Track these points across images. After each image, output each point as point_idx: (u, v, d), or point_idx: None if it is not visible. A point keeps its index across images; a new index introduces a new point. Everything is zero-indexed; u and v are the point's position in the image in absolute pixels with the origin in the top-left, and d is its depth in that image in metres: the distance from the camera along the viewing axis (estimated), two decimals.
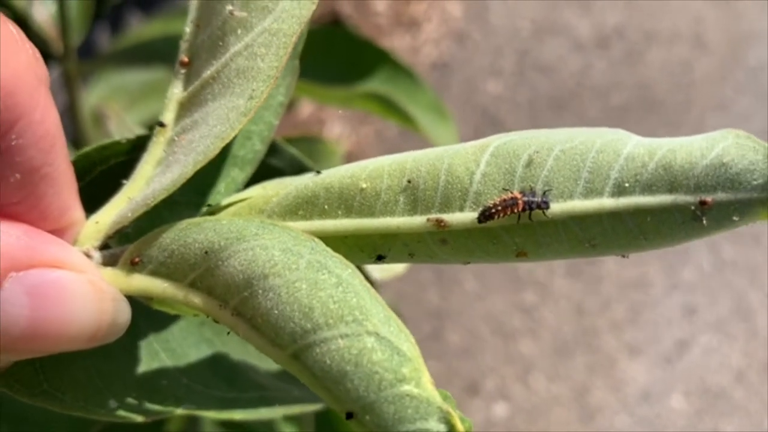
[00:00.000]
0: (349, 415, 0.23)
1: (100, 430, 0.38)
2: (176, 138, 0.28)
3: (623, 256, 0.26)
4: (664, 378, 1.58)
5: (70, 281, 0.24)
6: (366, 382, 0.23)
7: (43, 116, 0.23)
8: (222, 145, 0.26)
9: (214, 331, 0.34)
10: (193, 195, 0.29)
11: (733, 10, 1.94)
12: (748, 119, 1.79)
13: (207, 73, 0.28)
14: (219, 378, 0.33)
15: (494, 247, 0.26)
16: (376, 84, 0.71)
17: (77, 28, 0.74)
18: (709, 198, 0.24)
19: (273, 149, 0.33)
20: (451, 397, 0.23)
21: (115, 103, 0.76)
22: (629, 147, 0.25)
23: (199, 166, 0.26)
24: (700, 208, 0.24)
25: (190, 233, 0.26)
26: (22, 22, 0.73)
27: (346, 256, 0.25)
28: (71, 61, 0.74)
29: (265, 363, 0.36)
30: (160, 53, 0.76)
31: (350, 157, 1.74)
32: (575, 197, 0.25)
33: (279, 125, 0.32)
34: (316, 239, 0.25)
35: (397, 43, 1.90)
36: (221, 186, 0.31)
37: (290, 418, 0.65)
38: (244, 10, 0.27)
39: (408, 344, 0.23)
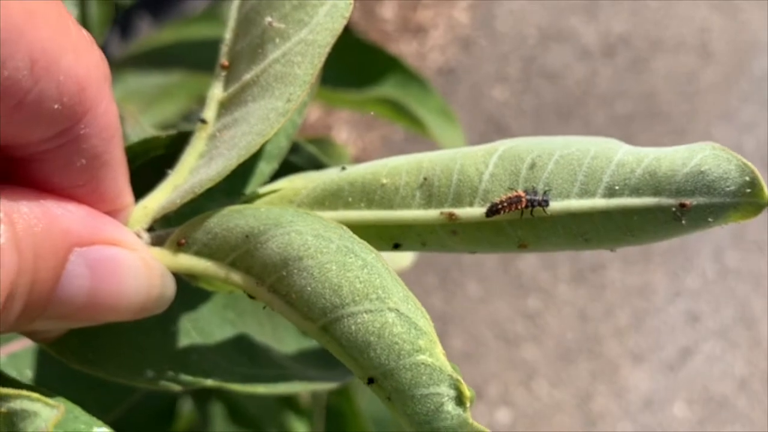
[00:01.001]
0: (371, 380, 0.27)
1: (116, 420, 0.40)
2: (217, 134, 0.32)
3: (611, 250, 0.29)
4: (666, 385, 1.58)
5: (125, 257, 0.27)
6: (387, 352, 0.26)
7: (106, 109, 0.26)
8: (263, 141, 0.29)
9: (236, 313, 0.38)
10: (226, 184, 0.32)
11: (738, 19, 1.95)
12: (753, 128, 1.79)
13: (247, 76, 0.31)
14: (242, 356, 0.37)
15: (499, 238, 0.30)
16: (387, 89, 0.74)
17: (97, 32, 0.75)
18: (688, 201, 0.27)
19: (293, 147, 0.36)
20: (458, 368, 0.27)
21: (131, 106, 0.77)
22: (620, 154, 0.28)
23: (242, 160, 0.29)
24: (680, 210, 0.27)
25: (233, 219, 0.29)
26: None
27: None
28: None
29: (283, 345, 0.39)
30: (176, 57, 0.78)
31: (357, 162, 1.74)
32: (572, 197, 0.29)
33: None
34: (344, 227, 0.28)
35: (404, 49, 1.92)
36: (251, 178, 0.34)
37: (302, 415, 0.67)
38: (282, 22, 0.30)
39: (424, 320, 0.27)
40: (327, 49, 0.30)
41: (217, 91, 0.32)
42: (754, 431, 1.54)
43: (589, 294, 1.66)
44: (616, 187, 0.28)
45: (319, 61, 0.29)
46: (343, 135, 1.80)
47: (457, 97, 1.85)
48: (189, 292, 0.32)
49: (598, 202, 0.28)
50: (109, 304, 0.27)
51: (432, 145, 0.77)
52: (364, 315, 0.26)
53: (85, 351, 0.31)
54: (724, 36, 1.93)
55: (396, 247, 0.31)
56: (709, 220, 0.27)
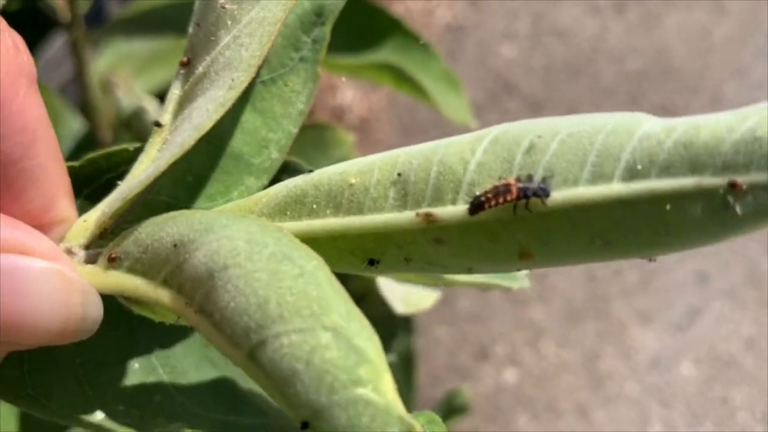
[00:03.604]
0: (305, 425, 0.21)
1: None
2: (168, 137, 0.28)
3: (650, 260, 0.23)
4: (674, 345, 1.58)
5: (35, 267, 0.23)
6: (317, 383, 0.20)
7: (21, 109, 0.23)
8: (198, 135, 0.26)
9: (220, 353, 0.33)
10: (204, 202, 0.29)
11: None
12: (766, 85, 1.76)
13: (200, 69, 0.28)
14: (219, 401, 0.31)
15: (494, 245, 0.24)
16: (386, 53, 0.69)
17: None
18: (740, 179, 0.20)
19: (283, 167, 0.31)
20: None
21: (123, 71, 0.76)
22: (645, 127, 0.22)
23: (174, 159, 0.26)
24: (731, 192, 0.20)
25: (164, 227, 0.25)
26: None
27: (338, 262, 0.24)
28: (79, 28, 0.74)
29: None
30: (168, 21, 0.76)
31: (363, 123, 1.73)
32: (581, 184, 0.22)
33: None
34: (285, 230, 0.24)
35: (410, 6, 1.88)
36: (235, 194, 0.30)
37: None
38: (234, 3, 0.27)
39: (369, 343, 0.21)
40: (278, 26, 0.26)
41: (175, 91, 0.28)
42: (761, 390, 1.54)
43: None
44: (639, 167, 0.21)
45: (268, 40, 0.25)
46: (348, 95, 1.77)
47: (465, 55, 1.82)
48: (164, 324, 0.27)
49: (615, 188, 0.21)
50: (19, 322, 0.23)
51: (438, 110, 0.75)
52: (293, 336, 0.21)
53: (24, 385, 0.28)
54: None
55: (372, 264, 0.25)
56: None
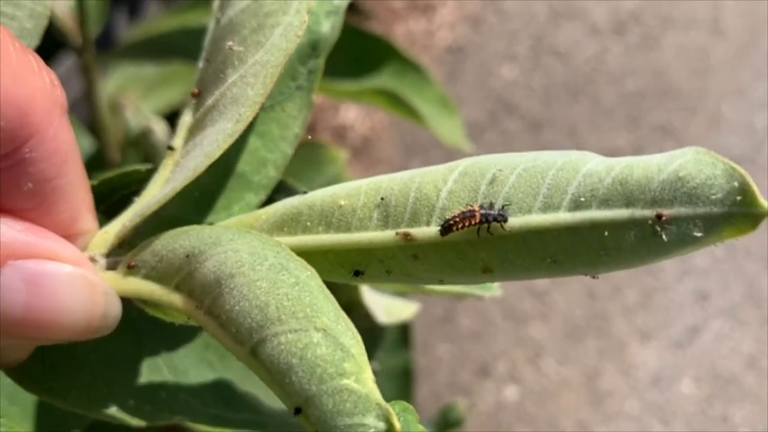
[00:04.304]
0: (297, 410, 0.24)
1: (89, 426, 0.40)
2: (181, 160, 0.31)
3: (593, 277, 0.26)
4: (674, 363, 1.58)
5: (63, 272, 0.27)
6: (309, 375, 0.24)
7: (55, 135, 0.26)
8: (209, 162, 0.29)
9: (218, 356, 0.36)
10: (208, 216, 0.32)
11: None
12: (765, 105, 1.78)
13: (209, 101, 0.31)
14: (217, 398, 0.35)
15: (461, 262, 0.27)
16: (384, 79, 0.73)
17: (95, 19, 0.76)
18: (666, 212, 0.24)
19: (278, 187, 0.35)
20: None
21: (131, 93, 0.79)
22: (589, 165, 0.26)
23: (187, 182, 0.29)
24: (658, 223, 0.24)
25: (178, 239, 0.28)
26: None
27: (328, 272, 0.28)
28: (89, 52, 0.76)
29: (270, 396, 0.37)
30: (175, 46, 0.79)
31: (365, 143, 1.75)
32: (534, 212, 0.26)
33: None
34: (283, 244, 0.27)
35: (412, 27, 1.90)
36: (235, 209, 0.33)
37: None
38: (241, 46, 0.30)
39: (353, 342, 0.24)
40: (279, 69, 0.29)
41: (187, 119, 0.32)
42: (762, 408, 1.54)
43: None
44: (582, 199, 0.25)
45: (271, 80, 0.29)
46: (351, 115, 1.79)
47: (466, 76, 1.84)
48: (168, 329, 0.31)
49: (562, 217, 0.25)
50: (48, 320, 0.26)
51: (434, 133, 0.77)
52: (289, 335, 0.24)
53: (47, 379, 0.31)
54: (736, 12, 1.90)
55: (357, 275, 0.29)
56: (696, 234, 0.24)
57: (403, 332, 0.74)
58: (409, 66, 0.75)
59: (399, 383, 0.76)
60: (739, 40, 1.87)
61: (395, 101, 0.71)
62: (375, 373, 0.25)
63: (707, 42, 1.87)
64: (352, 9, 1.53)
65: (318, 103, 1.79)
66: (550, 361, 1.60)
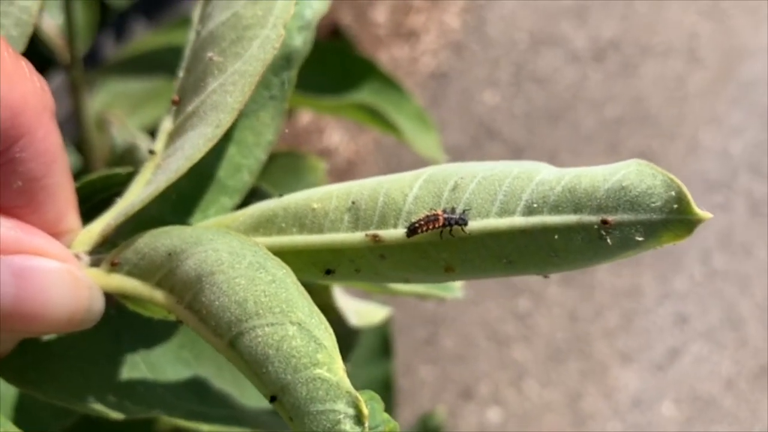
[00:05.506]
0: (273, 398, 0.26)
1: (76, 423, 0.41)
2: (162, 163, 0.33)
3: (544, 276, 0.28)
4: (655, 385, 1.59)
5: (50, 267, 0.28)
6: (285, 365, 0.26)
7: (45, 136, 0.28)
8: (190, 164, 0.31)
9: (193, 355, 0.38)
10: (185, 217, 0.34)
11: (726, 25, 1.97)
12: (741, 133, 1.81)
13: (190, 108, 0.33)
14: (192, 394, 0.37)
15: (425, 262, 0.29)
16: (365, 94, 0.76)
17: (83, 38, 0.78)
18: (610, 218, 0.26)
19: (252, 191, 0.37)
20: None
21: (117, 109, 0.80)
22: (542, 174, 0.28)
23: (169, 183, 0.31)
24: (603, 228, 0.26)
25: (160, 238, 0.30)
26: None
27: (300, 271, 0.29)
28: (77, 69, 0.78)
29: (244, 393, 0.39)
30: (161, 63, 0.81)
31: (350, 166, 1.76)
32: (491, 216, 0.28)
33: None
34: (259, 244, 0.29)
35: (396, 54, 1.93)
36: (211, 211, 0.35)
37: None
38: (221, 56, 0.32)
39: (326, 335, 0.26)
40: (257, 78, 0.31)
41: (167, 125, 0.34)
42: (741, 430, 1.55)
43: (578, 295, 1.68)
44: (535, 205, 0.27)
45: (249, 89, 0.31)
46: (335, 138, 1.81)
47: (449, 101, 1.87)
48: (145, 327, 0.33)
49: (517, 221, 0.27)
50: (37, 313, 0.28)
51: (412, 147, 0.79)
52: (266, 328, 0.26)
53: (28, 371, 0.32)
54: (713, 41, 1.94)
55: (328, 273, 0.31)
56: (638, 239, 0.26)
57: (384, 343, 0.75)
58: (388, 83, 0.78)
59: (380, 395, 0.77)
60: (716, 68, 1.90)
61: (375, 116, 0.74)
62: (348, 374, 0.26)
63: (684, 70, 1.91)
64: (336, 35, 1.56)
65: (303, 126, 1.81)
66: (532, 383, 1.61)
